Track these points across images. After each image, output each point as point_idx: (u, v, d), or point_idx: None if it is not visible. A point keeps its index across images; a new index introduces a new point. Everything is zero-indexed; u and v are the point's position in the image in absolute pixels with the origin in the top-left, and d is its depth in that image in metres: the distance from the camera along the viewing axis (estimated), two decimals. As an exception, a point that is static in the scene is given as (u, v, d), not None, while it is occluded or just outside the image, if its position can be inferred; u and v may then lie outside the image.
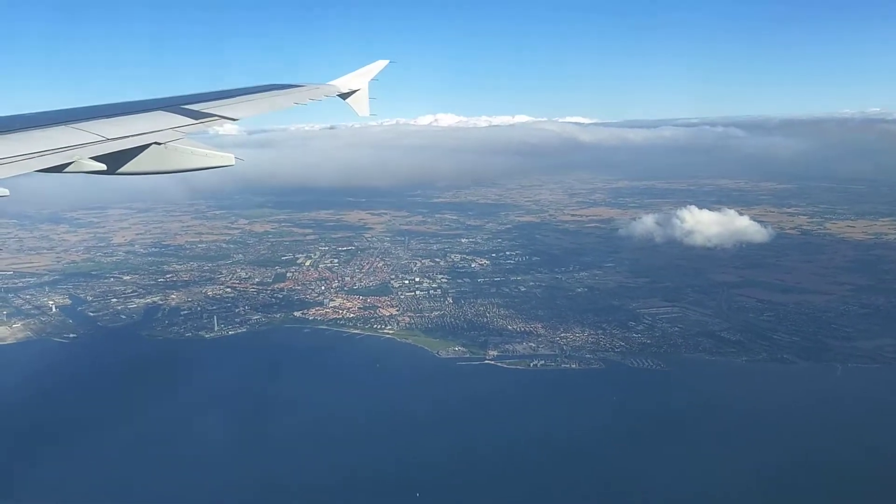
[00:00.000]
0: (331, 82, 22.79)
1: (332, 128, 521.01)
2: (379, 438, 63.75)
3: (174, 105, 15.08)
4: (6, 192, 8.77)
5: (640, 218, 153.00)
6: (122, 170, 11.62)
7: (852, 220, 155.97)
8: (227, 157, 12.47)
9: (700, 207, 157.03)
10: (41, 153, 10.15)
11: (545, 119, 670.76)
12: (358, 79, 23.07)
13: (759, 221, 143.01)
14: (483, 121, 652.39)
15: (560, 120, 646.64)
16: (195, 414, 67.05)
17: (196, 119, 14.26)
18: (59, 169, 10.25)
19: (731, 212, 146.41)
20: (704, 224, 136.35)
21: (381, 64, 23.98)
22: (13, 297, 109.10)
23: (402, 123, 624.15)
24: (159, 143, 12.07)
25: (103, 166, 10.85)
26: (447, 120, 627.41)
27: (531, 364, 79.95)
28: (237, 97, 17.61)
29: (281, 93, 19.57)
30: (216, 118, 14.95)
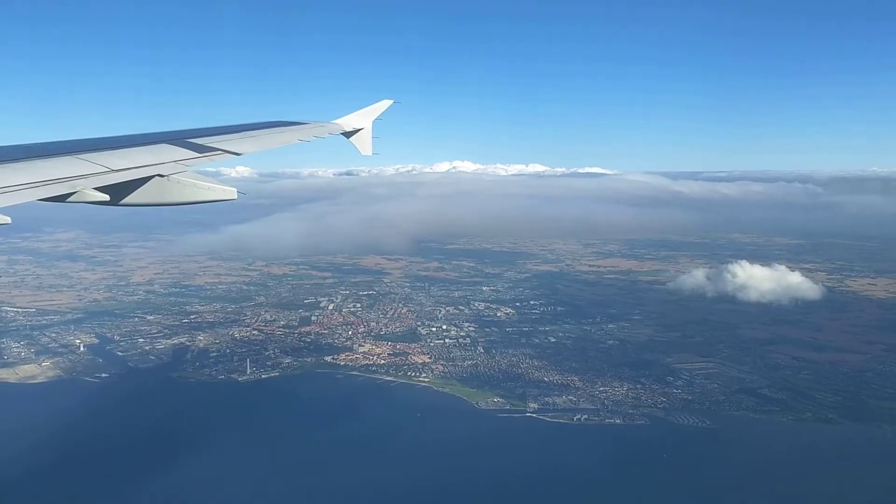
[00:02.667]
0: (335, 121, 22.84)
1: (349, 173, 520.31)
2: (433, 491, 62.54)
3: (178, 138, 15.18)
4: (8, 219, 8.80)
5: (689, 272, 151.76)
6: (124, 201, 11.78)
7: (872, 277, 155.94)
8: (229, 192, 12.65)
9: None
10: (45, 182, 10.26)
11: (564, 169, 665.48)
12: (362, 118, 23.17)
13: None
14: (500, 169, 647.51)
15: (582, 170, 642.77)
16: (245, 460, 66.11)
17: (200, 153, 14.35)
18: (62, 198, 10.35)
19: (782, 267, 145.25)
20: (757, 279, 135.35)
21: (386, 104, 24.06)
22: (38, 334, 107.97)
23: (419, 170, 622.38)
24: (162, 176, 12.20)
25: (106, 197, 10.87)
26: (465, 167, 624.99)
27: (574, 418, 78.79)
28: (241, 132, 17.71)
29: (285, 129, 19.65)
30: (220, 152, 14.99)
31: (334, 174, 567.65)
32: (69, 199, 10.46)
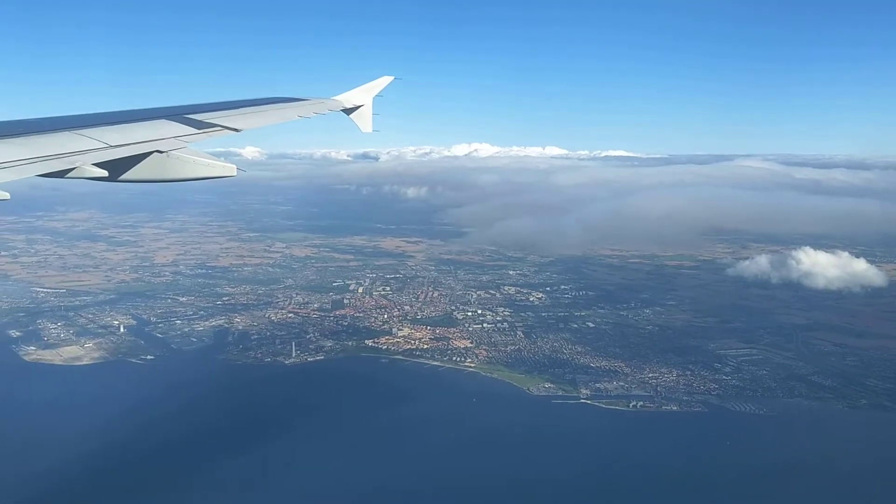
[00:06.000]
0: (335, 97, 22.54)
1: (365, 155, 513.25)
2: (506, 476, 62.54)
3: (177, 114, 15.05)
4: (6, 195, 8.86)
5: (753, 257, 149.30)
6: (123, 177, 11.82)
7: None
8: (228, 168, 12.60)
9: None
10: (44, 158, 10.32)
11: (587, 152, 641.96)
12: (362, 94, 22.92)
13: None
14: (520, 152, 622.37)
15: (608, 154, 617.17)
16: (315, 445, 66.36)
17: (199, 129, 14.28)
18: (61, 174, 10.40)
19: (845, 254, 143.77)
20: (822, 266, 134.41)
21: (386, 80, 23.74)
22: (74, 315, 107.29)
23: (437, 152, 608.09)
24: (161, 152, 12.20)
25: (105, 173, 10.95)
26: (484, 149, 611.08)
27: (630, 405, 78.52)
28: (241, 108, 17.60)
29: (285, 106, 19.56)
30: (219, 128, 14.90)
31: (348, 156, 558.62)
32: (68, 175, 10.48)
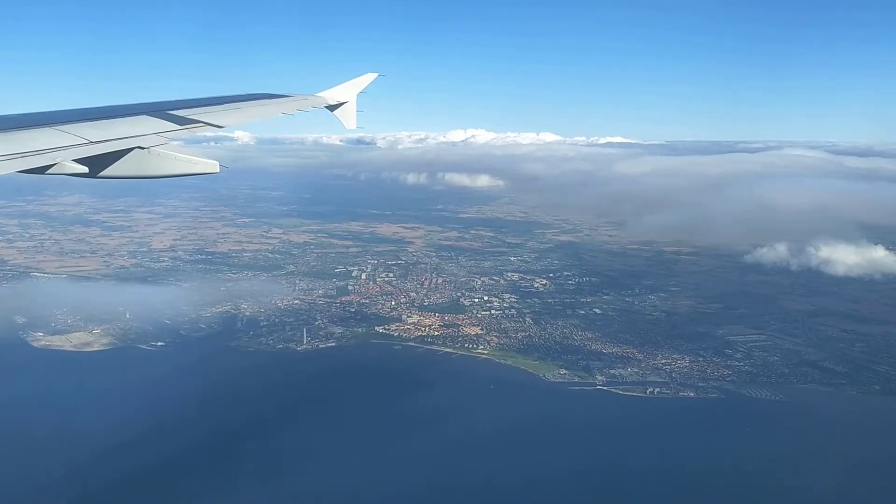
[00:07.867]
0: (319, 94, 22.66)
1: (360, 141, 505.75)
2: (531, 458, 62.56)
3: (159, 110, 15.05)
4: None
5: (772, 245, 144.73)
6: (103, 173, 11.79)
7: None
8: (211, 165, 12.56)
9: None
10: (24, 154, 10.30)
11: (584, 138, 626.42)
12: (346, 91, 23.06)
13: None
14: (518, 138, 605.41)
15: (602, 140, 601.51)
16: (340, 434, 66.13)
17: (181, 125, 14.28)
18: (41, 170, 10.39)
19: (863, 241, 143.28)
20: (841, 254, 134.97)
21: (370, 77, 23.89)
22: (78, 300, 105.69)
23: (433, 138, 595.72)
24: (143, 148, 12.16)
25: (85, 169, 10.97)
26: (481, 135, 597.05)
27: (647, 391, 78.73)
28: (223, 104, 17.63)
29: (268, 102, 19.70)
30: (201, 124, 14.94)
31: (341, 141, 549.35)
32: (48, 172, 10.48)
